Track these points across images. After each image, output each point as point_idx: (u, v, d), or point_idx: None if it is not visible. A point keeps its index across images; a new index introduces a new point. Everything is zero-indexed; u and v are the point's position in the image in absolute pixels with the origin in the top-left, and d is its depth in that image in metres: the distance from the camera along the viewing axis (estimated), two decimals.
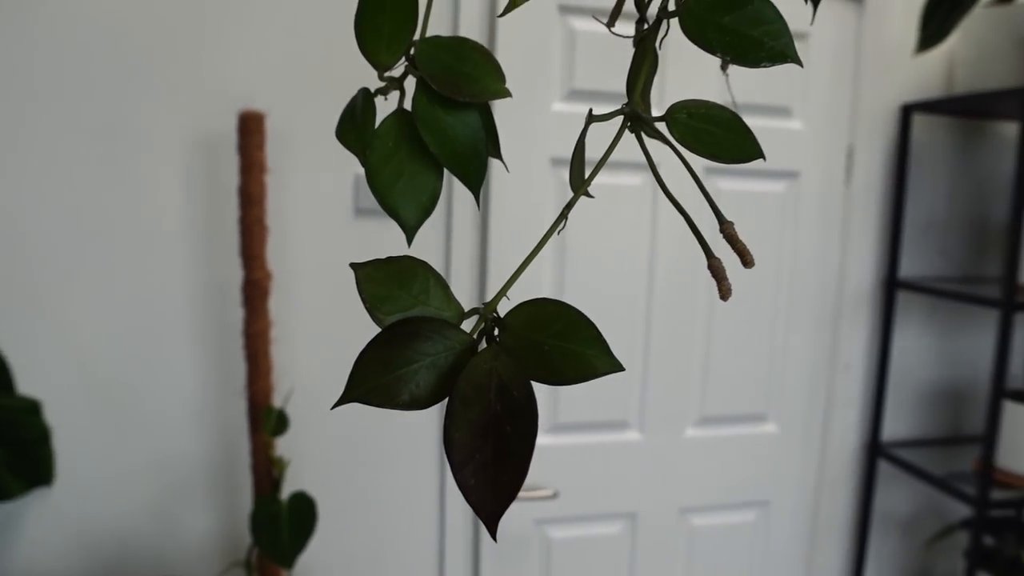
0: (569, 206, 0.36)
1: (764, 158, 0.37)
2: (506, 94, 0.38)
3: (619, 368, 0.33)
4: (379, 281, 0.34)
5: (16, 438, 1.32)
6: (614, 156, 1.53)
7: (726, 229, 0.35)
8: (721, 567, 1.85)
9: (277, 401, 1.40)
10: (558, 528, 1.71)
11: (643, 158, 1.62)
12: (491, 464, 0.30)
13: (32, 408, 1.33)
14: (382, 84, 0.38)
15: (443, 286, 0.36)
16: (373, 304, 0.34)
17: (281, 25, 1.43)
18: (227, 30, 1.41)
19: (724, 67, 0.42)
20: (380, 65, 0.37)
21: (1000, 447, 1.62)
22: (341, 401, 0.32)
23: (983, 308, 1.94)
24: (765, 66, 0.35)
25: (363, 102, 0.37)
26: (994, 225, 1.92)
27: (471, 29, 1.51)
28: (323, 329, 1.51)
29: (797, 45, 1.71)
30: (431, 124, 0.37)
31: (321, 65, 1.45)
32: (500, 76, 0.38)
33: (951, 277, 1.90)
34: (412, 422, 1.59)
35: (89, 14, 1.34)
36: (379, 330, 0.33)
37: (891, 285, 1.81)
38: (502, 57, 1.52)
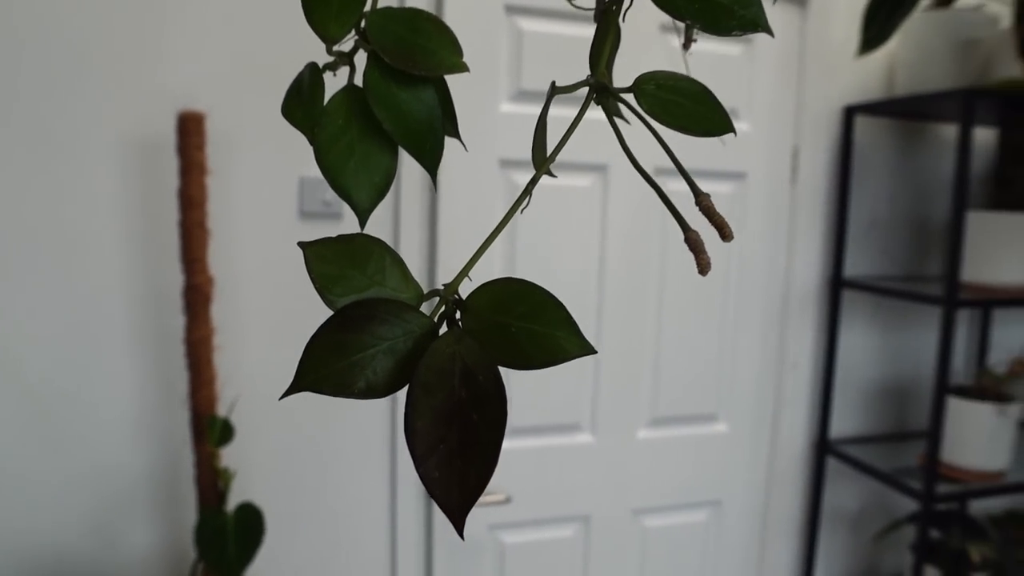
0: (533, 182, 0.34)
1: (735, 132, 0.36)
2: (463, 68, 0.36)
3: (590, 350, 0.31)
4: (330, 260, 0.32)
5: None
6: (564, 157, 1.53)
7: (702, 201, 0.33)
8: (674, 567, 1.85)
9: (222, 410, 1.35)
10: (512, 533, 1.69)
11: (593, 158, 1.62)
12: (457, 454, 0.28)
13: None
14: (331, 59, 0.36)
15: (400, 265, 0.33)
16: (324, 285, 0.31)
17: (223, 22, 1.39)
18: (166, 26, 1.36)
19: (687, 45, 0.41)
20: (329, 38, 0.35)
21: (945, 442, 1.65)
22: (291, 390, 0.29)
23: (926, 306, 1.99)
24: (736, 35, 0.34)
25: (310, 77, 0.35)
26: (935, 224, 1.97)
27: None
28: (268, 335, 1.47)
29: (743, 48, 1.74)
30: (384, 100, 0.35)
31: (266, 64, 1.41)
32: (457, 49, 0.36)
33: (894, 276, 1.94)
34: (362, 425, 1.56)
35: (17, 7, 1.28)
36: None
37: (836, 284, 1.84)
38: None
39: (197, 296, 1.29)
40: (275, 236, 1.46)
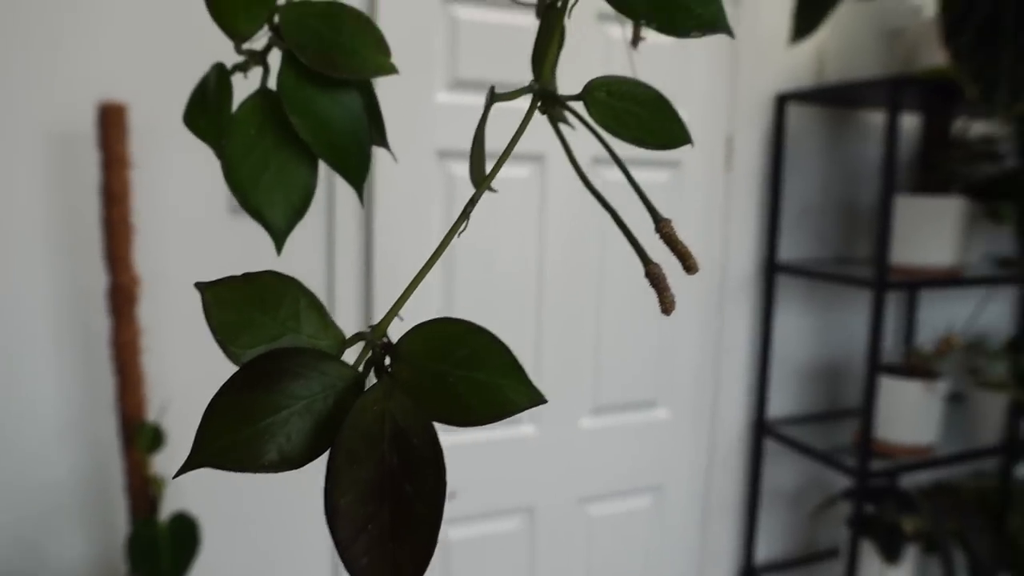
0: (472, 203, 0.31)
1: (692, 144, 0.34)
2: (392, 70, 0.32)
3: (540, 399, 0.28)
4: (234, 305, 0.27)
5: None
6: (499, 145, 1.51)
7: (663, 228, 0.31)
8: (619, 554, 1.87)
9: (151, 415, 1.30)
10: (456, 528, 1.68)
11: (530, 148, 1.61)
12: (388, 536, 0.24)
13: None
14: (241, 59, 0.32)
15: (317, 308, 0.29)
16: (227, 336, 0.27)
17: (147, 7, 1.33)
18: (84, 12, 1.29)
19: (635, 42, 0.39)
20: (237, 34, 0.31)
21: (877, 420, 1.70)
22: (185, 467, 0.25)
23: (857, 288, 2.03)
24: (694, 35, 0.32)
25: (217, 80, 0.31)
26: (864, 208, 2.01)
27: None
28: (199, 336, 1.42)
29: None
30: (301, 106, 0.31)
31: (192, 52, 1.36)
32: (384, 48, 0.32)
33: (826, 259, 1.98)
34: None
35: None
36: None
37: (771, 269, 1.87)
38: None
39: (122, 296, 1.24)
40: (204, 232, 1.41)
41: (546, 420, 1.72)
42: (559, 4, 0.35)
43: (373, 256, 1.51)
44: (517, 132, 0.33)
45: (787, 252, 1.91)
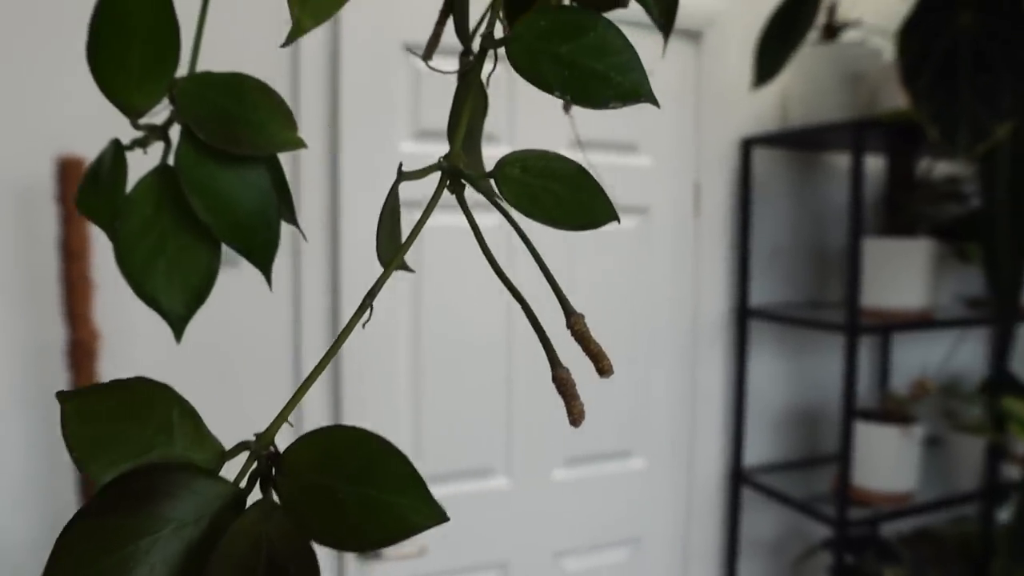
0: (377, 286, 0.29)
1: (618, 220, 0.31)
2: (300, 144, 0.30)
3: (442, 518, 0.24)
4: (97, 418, 0.24)
5: None
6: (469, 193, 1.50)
7: (574, 324, 0.28)
8: None
9: None
10: None
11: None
12: None
13: None
14: (139, 134, 0.30)
15: (192, 416, 0.25)
16: (85, 453, 0.23)
17: None
18: (45, 66, 1.27)
19: (566, 108, 0.37)
20: (132, 110, 0.28)
21: (855, 466, 1.67)
22: None
23: (830, 332, 2.02)
24: (614, 106, 0.30)
25: (112, 157, 0.29)
26: (834, 251, 2.01)
27: (313, 67, 1.44)
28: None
29: None
30: (201, 185, 0.28)
31: None
32: (290, 122, 0.30)
33: (797, 303, 1.97)
34: None
35: None
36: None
37: (743, 314, 1.85)
38: (347, 97, 1.45)
39: (82, 352, 1.23)
40: None
41: (519, 472, 1.68)
42: (474, 72, 0.32)
43: (340, 309, 1.48)
44: (423, 215, 0.31)
45: (759, 296, 1.90)
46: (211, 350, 1.42)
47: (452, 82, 1.55)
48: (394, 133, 1.51)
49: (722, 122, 1.81)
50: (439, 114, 1.53)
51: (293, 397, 0.27)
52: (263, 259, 0.31)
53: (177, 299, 0.30)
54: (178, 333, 0.30)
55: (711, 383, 1.86)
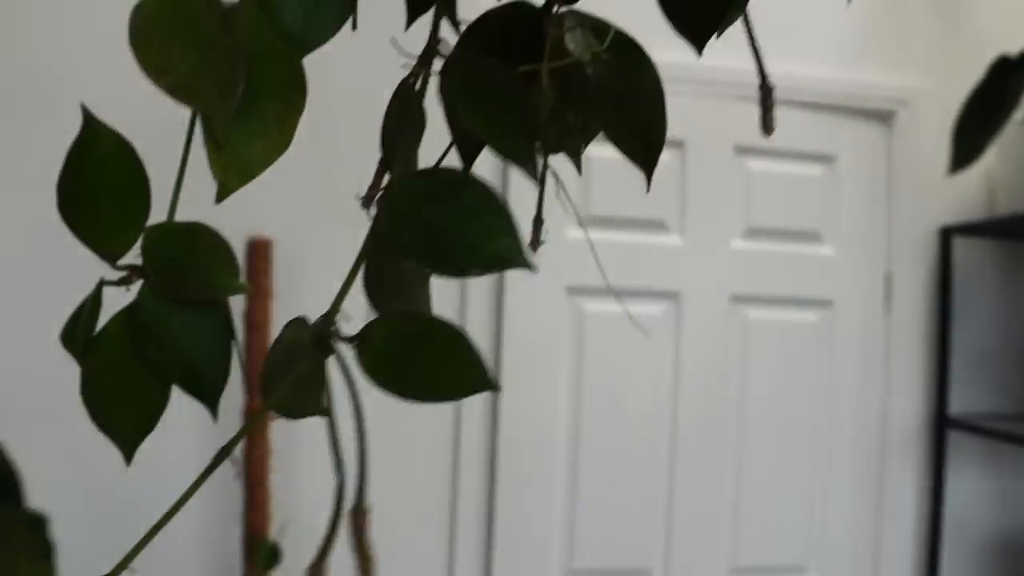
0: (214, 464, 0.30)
1: (498, 389, 0.28)
2: (242, 290, 0.32)
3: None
4: None
5: None
6: (630, 282, 1.49)
7: (357, 518, 0.26)
8: None
9: (272, 533, 1.32)
10: None
11: (662, 284, 1.55)
12: None
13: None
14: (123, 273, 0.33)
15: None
16: None
17: (292, 153, 1.43)
18: None
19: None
20: (109, 255, 0.31)
21: None
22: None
23: None
24: (476, 275, 0.28)
25: (93, 297, 0.32)
26: None
27: None
28: (323, 463, 1.44)
29: (826, 168, 1.66)
30: (154, 327, 0.31)
31: (333, 192, 1.44)
32: (233, 269, 0.32)
33: (1010, 414, 1.74)
34: (420, 543, 1.48)
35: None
36: None
37: (941, 424, 1.66)
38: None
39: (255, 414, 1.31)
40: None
41: None
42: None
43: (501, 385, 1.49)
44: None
45: (962, 404, 1.70)
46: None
47: (618, 169, 1.54)
48: (563, 219, 1.53)
49: (917, 209, 1.67)
50: (607, 201, 1.53)
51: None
52: (209, 398, 0.32)
53: (128, 431, 0.32)
54: (127, 458, 0.32)
55: (901, 499, 1.67)
